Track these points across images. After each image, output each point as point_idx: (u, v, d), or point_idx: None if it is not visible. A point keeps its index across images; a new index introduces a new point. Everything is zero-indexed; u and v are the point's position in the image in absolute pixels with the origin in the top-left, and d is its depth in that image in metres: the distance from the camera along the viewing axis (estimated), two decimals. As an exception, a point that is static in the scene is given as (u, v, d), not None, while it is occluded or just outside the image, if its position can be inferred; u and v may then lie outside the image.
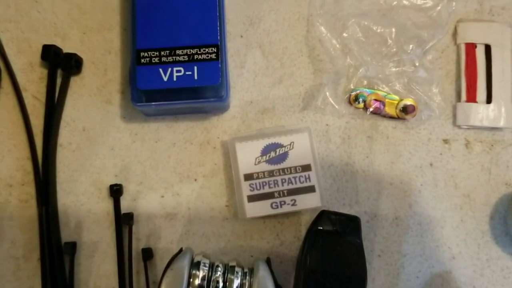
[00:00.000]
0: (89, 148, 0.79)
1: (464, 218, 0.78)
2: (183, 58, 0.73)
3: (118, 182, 0.78)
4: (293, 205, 0.75)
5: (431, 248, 0.78)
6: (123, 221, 0.76)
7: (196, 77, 0.72)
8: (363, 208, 0.78)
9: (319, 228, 0.71)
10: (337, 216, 0.71)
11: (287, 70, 0.81)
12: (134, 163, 0.79)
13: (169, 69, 0.72)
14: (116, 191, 0.77)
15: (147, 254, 0.76)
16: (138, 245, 0.77)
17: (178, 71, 0.72)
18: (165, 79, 0.72)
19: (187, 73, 0.72)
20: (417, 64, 0.80)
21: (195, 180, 0.79)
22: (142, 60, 0.73)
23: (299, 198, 0.75)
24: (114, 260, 0.76)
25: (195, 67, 0.72)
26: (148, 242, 0.77)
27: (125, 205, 0.78)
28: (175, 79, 0.72)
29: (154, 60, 0.73)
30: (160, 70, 0.72)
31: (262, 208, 0.75)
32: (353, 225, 0.71)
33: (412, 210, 0.78)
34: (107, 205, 0.78)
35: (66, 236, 0.77)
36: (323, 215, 0.71)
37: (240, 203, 0.76)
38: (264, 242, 0.77)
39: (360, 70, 0.79)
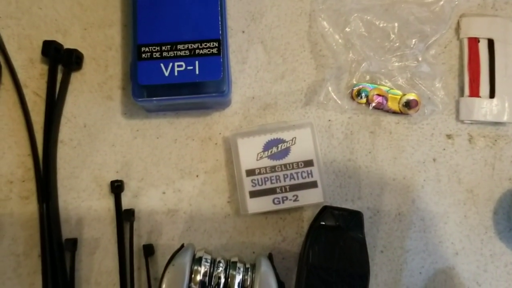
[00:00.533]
0: (90, 144, 0.79)
1: (467, 213, 0.78)
2: (185, 53, 0.72)
3: (119, 179, 0.77)
4: (295, 200, 0.75)
5: (434, 243, 0.77)
6: (124, 218, 0.76)
7: (197, 72, 0.72)
8: (365, 203, 0.78)
9: (321, 223, 0.71)
10: (339, 211, 0.71)
11: (289, 66, 0.81)
12: (135, 160, 0.78)
13: (170, 64, 0.72)
14: (117, 188, 0.76)
15: (149, 250, 0.75)
16: (139, 242, 0.77)
17: (179, 66, 0.72)
18: (166, 74, 0.72)
19: (188, 68, 0.72)
20: (420, 59, 0.79)
21: (197, 176, 0.78)
22: (143, 55, 0.72)
23: (301, 193, 0.75)
24: (115, 256, 0.76)
25: (197, 62, 0.72)
26: (150, 239, 0.77)
27: (126, 201, 0.77)
28: (176, 74, 0.72)
29: (155, 55, 0.72)
30: (161, 65, 0.72)
31: (264, 204, 0.75)
32: (355, 220, 0.71)
33: (415, 206, 0.78)
34: (108, 201, 0.77)
35: (67, 232, 0.77)
36: (326, 211, 0.71)
37: (242, 199, 0.75)
38: (266, 238, 0.77)
39: (363, 65, 0.79)
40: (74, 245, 0.75)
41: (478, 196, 0.78)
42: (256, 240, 0.77)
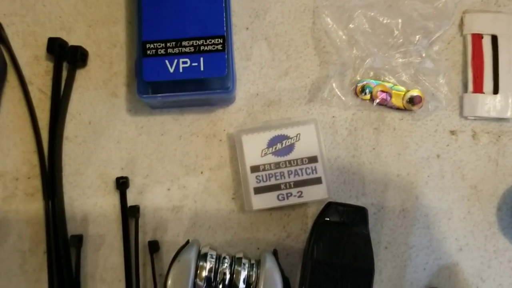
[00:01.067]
0: (95, 141, 0.79)
1: (471, 209, 0.78)
2: (189, 49, 0.72)
3: (124, 175, 0.78)
4: (299, 197, 0.75)
5: (438, 239, 0.77)
6: (130, 214, 0.76)
7: (202, 69, 0.72)
8: (370, 200, 0.78)
9: (326, 219, 0.71)
10: (344, 207, 0.71)
11: (293, 62, 0.81)
12: (140, 156, 0.79)
13: (175, 61, 0.72)
14: (122, 184, 0.77)
15: (154, 246, 0.76)
16: (144, 238, 0.77)
17: (184, 63, 0.72)
18: (171, 70, 0.72)
19: (193, 64, 0.72)
20: (423, 55, 0.79)
21: (202, 172, 0.79)
22: (148, 52, 0.72)
23: (306, 189, 0.75)
24: (120, 253, 0.76)
25: (201, 58, 0.72)
26: (155, 235, 0.77)
27: (132, 198, 0.78)
28: (181, 70, 0.72)
29: (160, 51, 0.72)
30: (166, 61, 0.72)
31: (269, 200, 0.75)
32: (360, 216, 0.71)
33: (419, 202, 0.78)
34: (114, 198, 0.78)
35: (72, 229, 0.77)
36: (330, 207, 0.71)
37: (246, 195, 0.76)
38: (271, 234, 0.77)
39: (367, 61, 0.79)
40: (80, 242, 0.76)
41: (482, 192, 0.78)
42: (261, 236, 0.77)
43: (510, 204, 0.78)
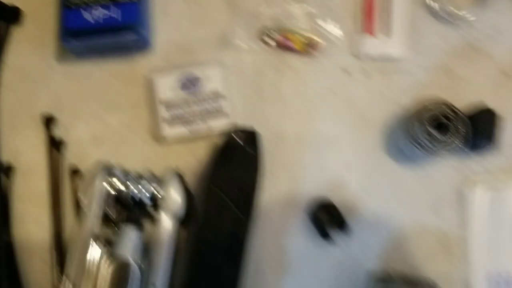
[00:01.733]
0: (27, 88, 0.88)
1: (358, 135, 0.87)
2: (106, 0, 0.82)
3: (52, 114, 0.87)
4: (207, 128, 0.84)
5: (329, 160, 0.86)
6: (56, 147, 0.85)
7: (118, 17, 0.82)
8: (270, 129, 0.86)
9: (225, 145, 0.81)
10: (241, 132, 0.81)
11: (206, 14, 0.90)
12: (67, 98, 0.88)
13: (94, 10, 0.82)
14: (49, 121, 0.86)
15: (76, 172, 0.84)
16: (69, 168, 0.86)
17: (101, 12, 0.82)
18: (90, 19, 0.82)
19: (110, 13, 0.82)
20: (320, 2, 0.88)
21: (121, 111, 0.88)
22: (68, 3, 0.82)
23: (213, 122, 0.85)
24: (47, 180, 0.85)
25: (118, 8, 0.82)
26: (79, 165, 0.86)
27: (59, 133, 0.86)
28: (99, 19, 0.82)
29: (79, 2, 0.82)
30: (86, 11, 0.82)
31: (179, 131, 0.85)
32: (251, 138, 0.81)
33: (313, 130, 0.87)
34: (42, 134, 0.87)
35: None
36: (230, 133, 0.81)
37: (160, 128, 0.85)
38: (183, 162, 0.85)
39: (271, 10, 0.88)
40: (10, 170, 0.85)
41: (369, 120, 0.87)
42: (174, 164, 0.84)
43: (393, 128, 0.86)
